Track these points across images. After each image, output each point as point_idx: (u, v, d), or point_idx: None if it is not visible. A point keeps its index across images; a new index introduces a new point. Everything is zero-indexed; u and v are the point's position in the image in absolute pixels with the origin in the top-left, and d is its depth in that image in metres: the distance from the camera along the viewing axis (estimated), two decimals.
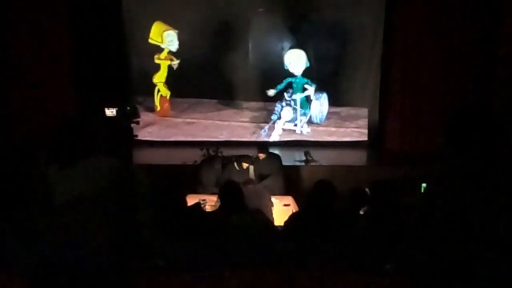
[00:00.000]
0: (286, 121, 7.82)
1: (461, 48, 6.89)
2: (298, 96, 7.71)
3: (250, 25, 7.56)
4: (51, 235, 1.99)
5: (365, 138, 7.85)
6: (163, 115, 7.79)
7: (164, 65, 7.60)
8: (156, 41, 7.50)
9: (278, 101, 7.74)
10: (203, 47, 7.53)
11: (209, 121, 7.85)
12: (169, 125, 7.84)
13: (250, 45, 7.60)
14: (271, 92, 7.63)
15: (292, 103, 7.76)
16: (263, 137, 7.79)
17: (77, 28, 6.97)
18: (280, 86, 7.64)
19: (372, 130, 7.80)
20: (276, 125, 7.80)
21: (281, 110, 7.76)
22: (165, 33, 7.45)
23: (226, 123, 7.87)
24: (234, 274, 1.72)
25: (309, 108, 7.80)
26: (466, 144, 1.78)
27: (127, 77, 7.62)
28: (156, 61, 7.57)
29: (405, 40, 7.10)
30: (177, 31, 7.51)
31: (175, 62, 7.55)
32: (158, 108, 7.76)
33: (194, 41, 7.54)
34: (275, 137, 7.81)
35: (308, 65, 7.61)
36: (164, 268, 2.12)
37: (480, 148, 1.76)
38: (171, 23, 7.52)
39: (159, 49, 7.58)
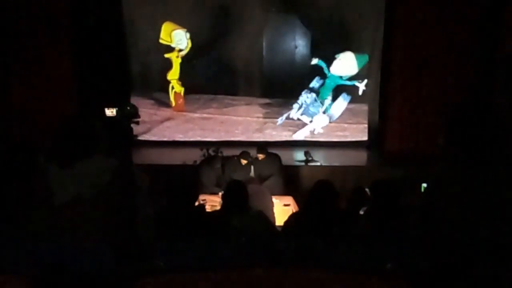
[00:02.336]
0: (306, 105, 7.74)
1: (462, 47, 6.89)
2: (328, 101, 7.68)
3: (264, 23, 7.70)
4: (51, 235, 1.99)
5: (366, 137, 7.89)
6: (178, 110, 8.02)
7: (176, 63, 7.77)
8: (166, 41, 7.67)
9: (305, 90, 7.67)
10: (218, 45, 7.70)
11: (225, 117, 8.05)
12: (187, 120, 8.06)
13: (263, 42, 7.78)
14: (315, 61, 7.49)
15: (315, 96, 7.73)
16: (278, 125, 7.89)
17: (78, 28, 6.97)
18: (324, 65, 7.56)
19: (372, 130, 7.81)
20: (294, 113, 7.79)
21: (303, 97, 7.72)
22: (174, 33, 7.64)
23: (241, 118, 8.04)
24: (234, 274, 1.72)
25: (329, 103, 7.82)
26: (467, 143, 1.78)
27: (128, 77, 7.66)
28: (166, 55, 7.74)
29: (405, 39, 7.09)
30: (185, 29, 7.62)
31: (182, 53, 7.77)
32: (173, 104, 7.98)
33: (208, 39, 7.71)
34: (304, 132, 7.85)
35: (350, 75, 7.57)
36: (164, 268, 2.12)
37: (481, 147, 1.76)
38: (183, 22, 7.64)
39: (170, 49, 7.72)
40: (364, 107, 7.84)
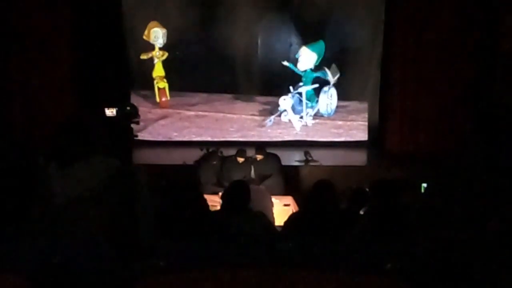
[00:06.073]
0: (285, 110, 7.85)
1: (463, 46, 6.89)
2: (304, 89, 7.75)
3: (259, 21, 7.67)
4: (51, 235, 1.99)
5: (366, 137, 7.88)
6: (163, 106, 8.05)
7: (158, 61, 7.82)
8: (147, 38, 7.76)
9: (282, 97, 7.81)
10: (212, 42, 7.69)
11: (220, 114, 8.04)
12: (182, 118, 8.06)
13: (258, 40, 7.77)
14: (286, 62, 7.69)
15: (298, 95, 7.80)
16: (268, 127, 7.91)
17: (78, 28, 6.98)
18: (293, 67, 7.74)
19: (372, 129, 7.81)
20: (284, 117, 7.86)
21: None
22: (152, 31, 7.74)
23: (236, 116, 8.02)
24: (234, 274, 1.72)
25: (317, 102, 7.81)
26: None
27: (127, 77, 7.66)
28: (142, 57, 7.77)
29: (406, 38, 7.09)
30: (164, 29, 7.70)
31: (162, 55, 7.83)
32: (158, 100, 8.01)
33: (203, 36, 7.71)
34: (297, 126, 7.89)
35: (317, 63, 7.67)
36: (164, 268, 2.12)
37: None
38: (182, 21, 7.64)
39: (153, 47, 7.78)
40: (360, 105, 7.84)
